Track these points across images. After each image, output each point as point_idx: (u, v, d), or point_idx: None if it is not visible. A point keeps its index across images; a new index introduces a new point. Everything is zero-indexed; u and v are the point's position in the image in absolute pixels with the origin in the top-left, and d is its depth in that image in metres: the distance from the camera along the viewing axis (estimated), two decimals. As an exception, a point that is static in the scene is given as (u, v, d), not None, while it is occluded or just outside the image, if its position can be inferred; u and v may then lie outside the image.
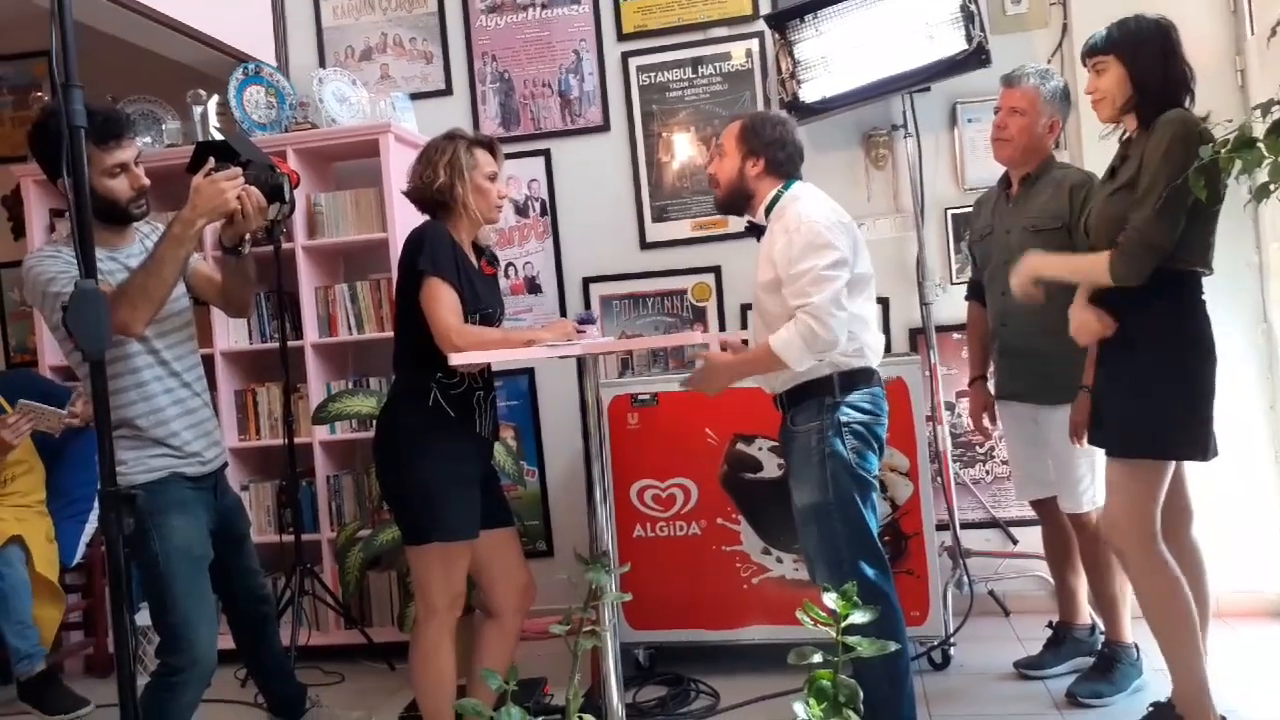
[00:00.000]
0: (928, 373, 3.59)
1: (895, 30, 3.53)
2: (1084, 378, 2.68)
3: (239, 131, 3.97)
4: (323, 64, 4.33)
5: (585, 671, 1.88)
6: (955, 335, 3.78)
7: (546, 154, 4.20)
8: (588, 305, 4.17)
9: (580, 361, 2.48)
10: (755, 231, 2.66)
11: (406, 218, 3.24)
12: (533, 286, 4.23)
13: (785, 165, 2.61)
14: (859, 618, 1.50)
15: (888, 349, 3.69)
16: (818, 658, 1.49)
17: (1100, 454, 2.81)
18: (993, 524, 3.89)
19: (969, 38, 3.42)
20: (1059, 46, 3.78)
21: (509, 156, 2.86)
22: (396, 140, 3.92)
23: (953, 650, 3.34)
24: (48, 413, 3.45)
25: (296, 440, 3.83)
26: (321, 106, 4.01)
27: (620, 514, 3.42)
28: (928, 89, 3.73)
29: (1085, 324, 2.50)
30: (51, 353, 4.01)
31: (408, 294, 2.55)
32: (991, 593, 3.76)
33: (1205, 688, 2.45)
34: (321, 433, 3.95)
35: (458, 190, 2.58)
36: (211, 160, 2.48)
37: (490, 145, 2.69)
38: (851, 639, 1.49)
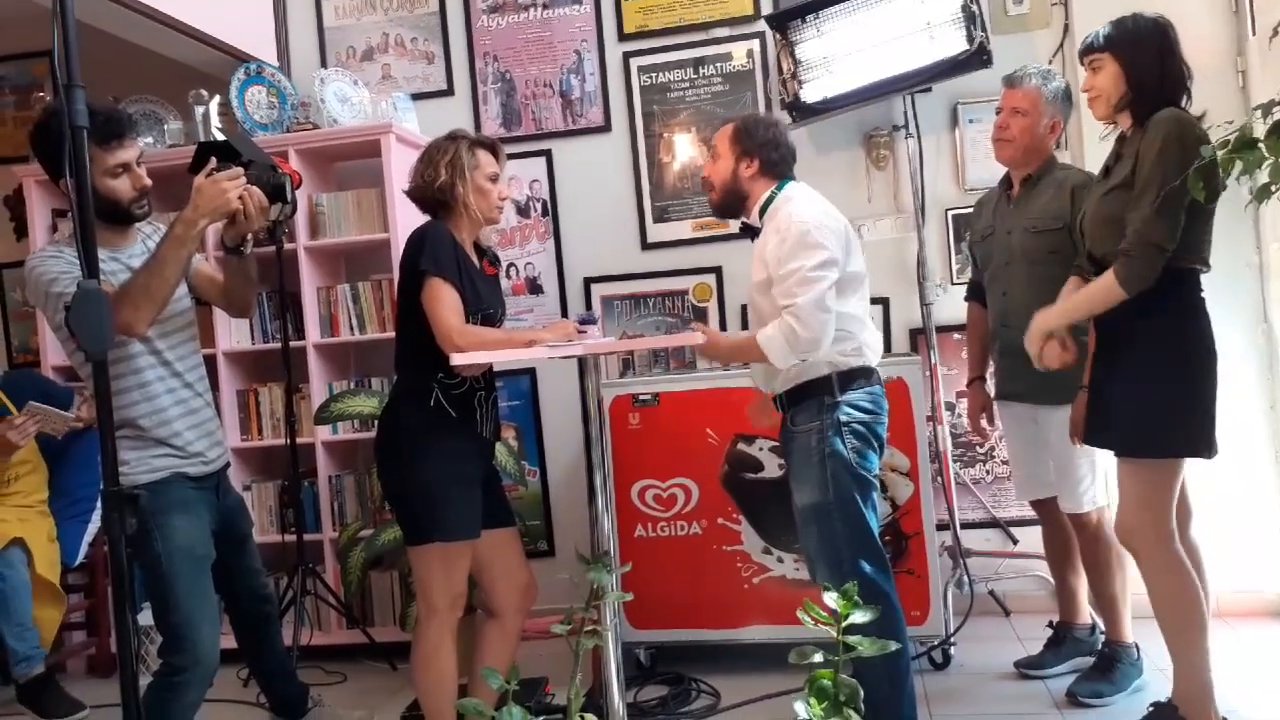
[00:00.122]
0: (928, 373, 3.59)
1: (896, 30, 3.54)
2: (1083, 378, 2.69)
3: (241, 132, 3.97)
4: (324, 64, 4.34)
5: (586, 671, 1.88)
6: (955, 335, 3.78)
7: (548, 154, 4.20)
8: (589, 305, 4.17)
9: (581, 362, 2.49)
10: (750, 233, 2.67)
11: (408, 218, 3.25)
12: (534, 287, 4.23)
13: (779, 166, 2.62)
14: (859, 617, 1.50)
15: (888, 349, 3.71)
16: (818, 657, 1.50)
17: (1100, 454, 2.82)
18: (993, 524, 3.89)
19: (970, 38, 3.42)
20: (1060, 47, 3.78)
21: (510, 157, 2.87)
22: (398, 140, 3.92)
23: (953, 650, 3.34)
24: (54, 415, 3.46)
25: (299, 440, 3.84)
26: (323, 107, 4.01)
27: (621, 514, 3.42)
28: (929, 89, 3.73)
29: (1049, 352, 2.52)
30: (54, 353, 4.02)
31: (409, 294, 2.55)
32: (992, 592, 3.77)
33: (1209, 690, 2.45)
34: (324, 433, 3.95)
35: (458, 190, 2.58)
36: (213, 160, 2.48)
37: (493, 147, 2.70)
38: (852, 638, 1.50)
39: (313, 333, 3.99)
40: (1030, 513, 3.33)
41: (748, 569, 3.38)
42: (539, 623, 2.91)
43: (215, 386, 3.63)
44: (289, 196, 2.61)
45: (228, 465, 2.74)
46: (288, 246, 3.89)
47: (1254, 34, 3.50)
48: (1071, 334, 2.56)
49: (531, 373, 4.21)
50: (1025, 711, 2.94)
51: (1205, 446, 2.42)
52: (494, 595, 2.73)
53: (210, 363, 3.39)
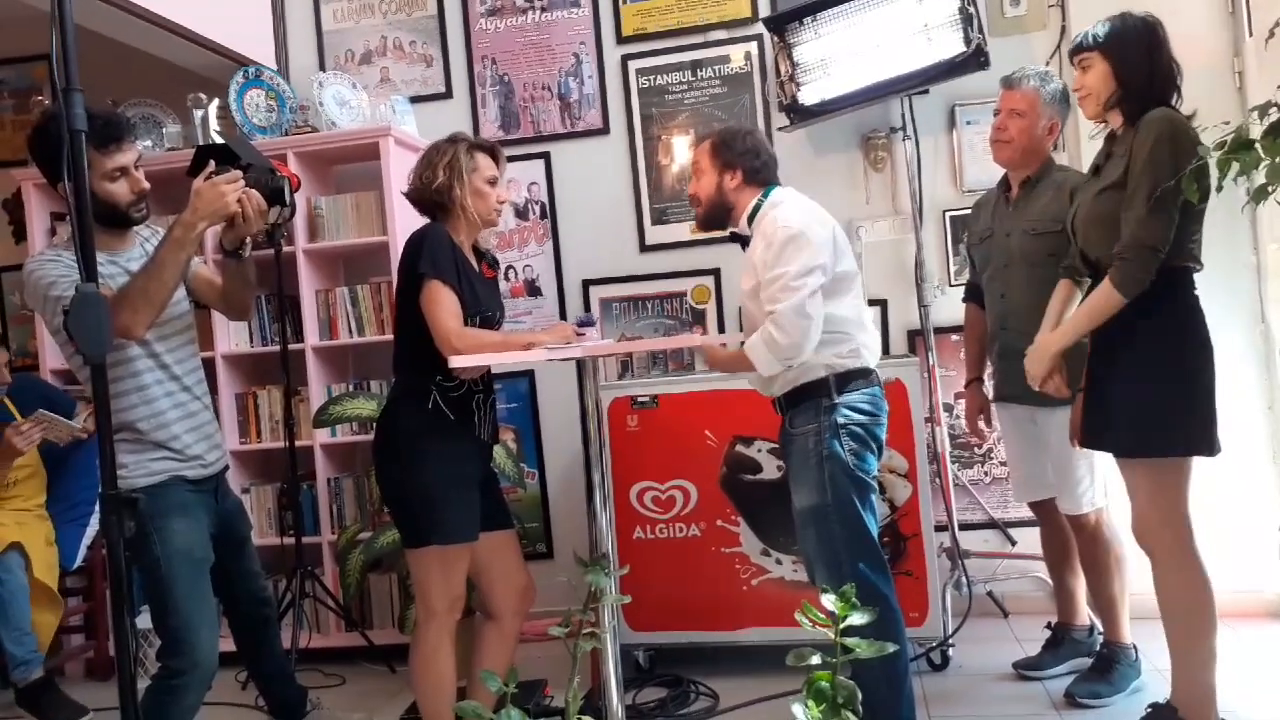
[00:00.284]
0: (926, 374, 3.59)
1: (894, 33, 3.54)
2: (1081, 380, 2.69)
3: (239, 135, 3.98)
4: (323, 67, 4.34)
5: (585, 673, 1.89)
6: (954, 337, 3.78)
7: (546, 157, 4.21)
8: (587, 308, 4.17)
9: (580, 364, 2.49)
10: (741, 241, 2.68)
11: (407, 221, 3.25)
12: (532, 289, 4.23)
13: (762, 173, 2.63)
14: (857, 619, 1.50)
15: (886, 351, 3.72)
16: (816, 659, 1.49)
17: (1099, 455, 2.82)
18: (991, 525, 3.89)
19: (968, 40, 3.42)
20: (1057, 48, 3.78)
21: (509, 159, 2.87)
22: (397, 143, 3.92)
23: (951, 651, 3.35)
24: (61, 425, 3.46)
25: (297, 443, 3.83)
26: (322, 110, 4.02)
27: (620, 516, 3.43)
28: (926, 91, 3.73)
29: (1055, 382, 2.57)
30: (53, 356, 4.02)
31: (408, 297, 2.55)
32: (990, 594, 3.77)
33: (1212, 693, 2.44)
34: (322, 435, 3.96)
35: (456, 192, 2.58)
36: (212, 163, 2.48)
37: (492, 150, 2.70)
38: (850, 640, 1.49)
39: (311, 335, 3.99)
40: (1028, 514, 3.34)
41: (746, 571, 3.38)
42: (537, 625, 2.91)
43: (214, 389, 3.65)
44: (288, 199, 2.61)
45: (226, 468, 2.74)
46: (286, 249, 3.88)
47: (1251, 35, 3.51)
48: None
49: (530, 375, 4.21)
50: (1024, 712, 2.94)
51: (1207, 444, 2.42)
52: (492, 598, 2.73)
53: (209, 366, 3.38)
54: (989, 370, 3.25)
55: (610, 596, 2.17)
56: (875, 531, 2.55)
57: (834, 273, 2.49)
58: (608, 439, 3.40)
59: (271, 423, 4.08)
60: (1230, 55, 3.60)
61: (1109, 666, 2.97)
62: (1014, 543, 3.84)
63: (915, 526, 3.28)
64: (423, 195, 2.63)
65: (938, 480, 3.57)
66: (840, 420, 2.49)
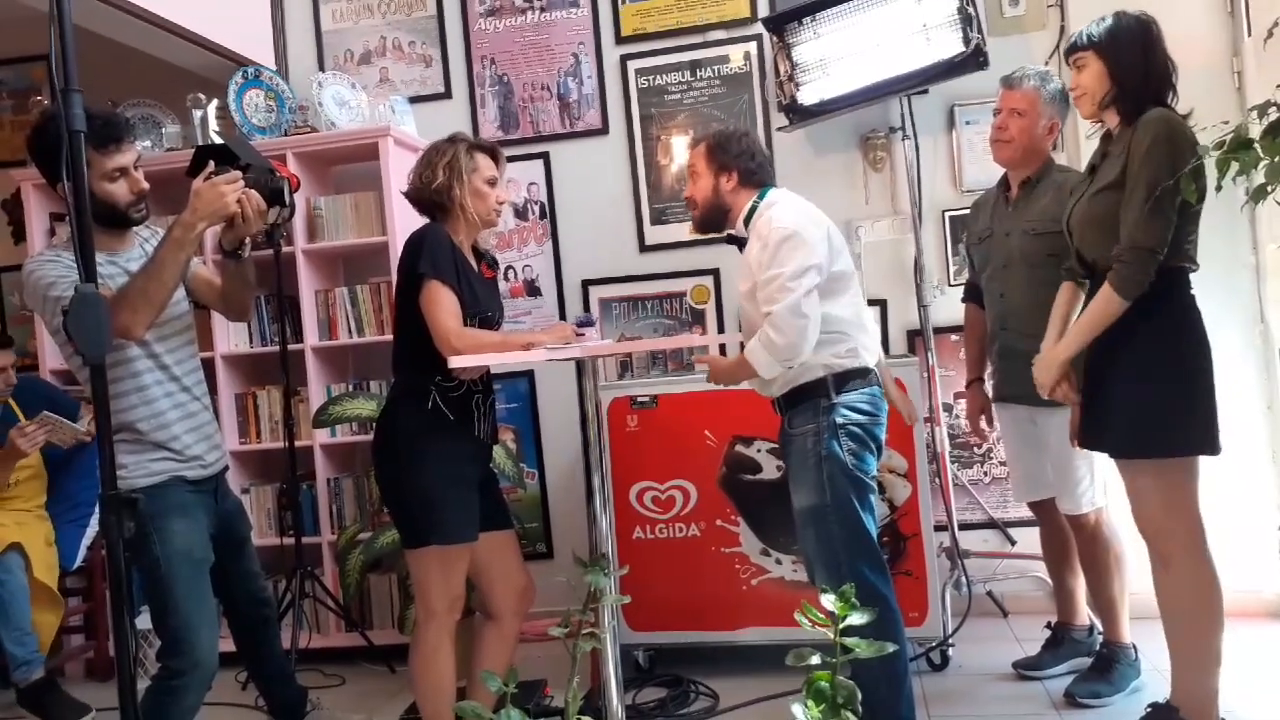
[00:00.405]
0: (925, 374, 3.59)
1: (893, 33, 3.54)
2: (1081, 380, 2.69)
3: (239, 135, 3.98)
4: (322, 68, 4.34)
5: (585, 673, 1.89)
6: (953, 337, 3.78)
7: (545, 157, 4.21)
8: (587, 308, 4.17)
9: (579, 364, 2.49)
10: (737, 243, 2.68)
11: (406, 221, 3.25)
12: (532, 289, 4.23)
13: (757, 174, 2.64)
14: (857, 619, 1.50)
15: (886, 351, 3.71)
16: (816, 659, 1.49)
17: (1098, 455, 2.81)
18: (991, 525, 3.89)
19: (967, 40, 3.42)
20: (1056, 48, 3.77)
21: (508, 160, 2.87)
22: (396, 144, 3.92)
23: (951, 651, 3.35)
24: (66, 428, 3.47)
25: (297, 443, 3.83)
26: (321, 110, 4.02)
27: (620, 516, 3.43)
28: (925, 91, 3.73)
29: (1063, 391, 2.57)
30: (52, 357, 4.02)
31: (407, 297, 2.55)
32: (990, 593, 3.77)
33: (1215, 694, 2.44)
34: (322, 436, 3.96)
35: (455, 192, 2.59)
36: (211, 164, 2.48)
37: (492, 150, 2.70)
38: (850, 640, 1.49)
39: (311, 336, 3.99)
40: (1028, 514, 3.34)
41: (746, 571, 3.38)
42: (537, 625, 2.92)
43: (213, 390, 3.65)
44: (287, 200, 2.61)
45: (226, 469, 2.74)
46: (286, 250, 3.89)
47: (1249, 35, 3.51)
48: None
49: (530, 375, 4.21)
50: (1023, 712, 2.94)
51: (1209, 444, 2.41)
52: (492, 598, 2.73)
53: (208, 366, 3.38)
54: (989, 370, 3.25)
55: (610, 596, 2.18)
56: (874, 531, 2.55)
57: (830, 272, 2.49)
58: (607, 439, 3.40)
59: (271, 423, 4.08)
60: (1229, 55, 3.60)
61: (1109, 666, 2.97)
62: (1013, 542, 3.84)
63: (915, 526, 3.28)
64: (422, 195, 2.63)
65: (937, 480, 3.57)
66: (839, 420, 2.49)
